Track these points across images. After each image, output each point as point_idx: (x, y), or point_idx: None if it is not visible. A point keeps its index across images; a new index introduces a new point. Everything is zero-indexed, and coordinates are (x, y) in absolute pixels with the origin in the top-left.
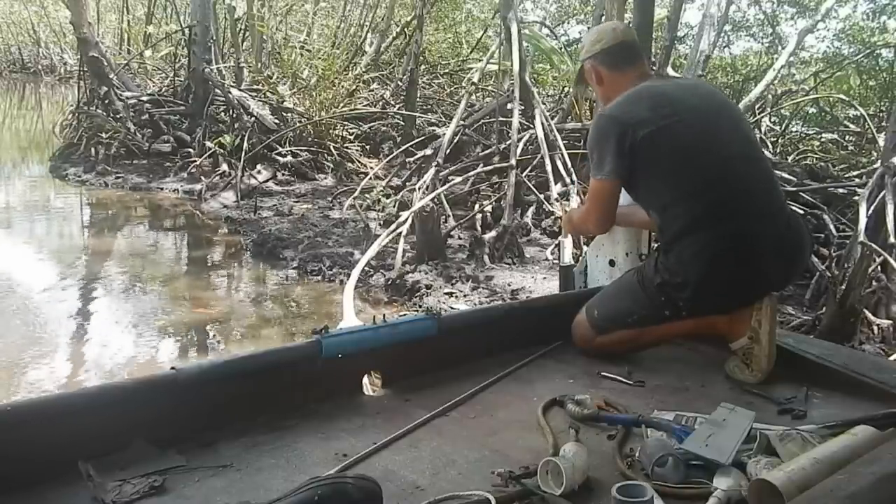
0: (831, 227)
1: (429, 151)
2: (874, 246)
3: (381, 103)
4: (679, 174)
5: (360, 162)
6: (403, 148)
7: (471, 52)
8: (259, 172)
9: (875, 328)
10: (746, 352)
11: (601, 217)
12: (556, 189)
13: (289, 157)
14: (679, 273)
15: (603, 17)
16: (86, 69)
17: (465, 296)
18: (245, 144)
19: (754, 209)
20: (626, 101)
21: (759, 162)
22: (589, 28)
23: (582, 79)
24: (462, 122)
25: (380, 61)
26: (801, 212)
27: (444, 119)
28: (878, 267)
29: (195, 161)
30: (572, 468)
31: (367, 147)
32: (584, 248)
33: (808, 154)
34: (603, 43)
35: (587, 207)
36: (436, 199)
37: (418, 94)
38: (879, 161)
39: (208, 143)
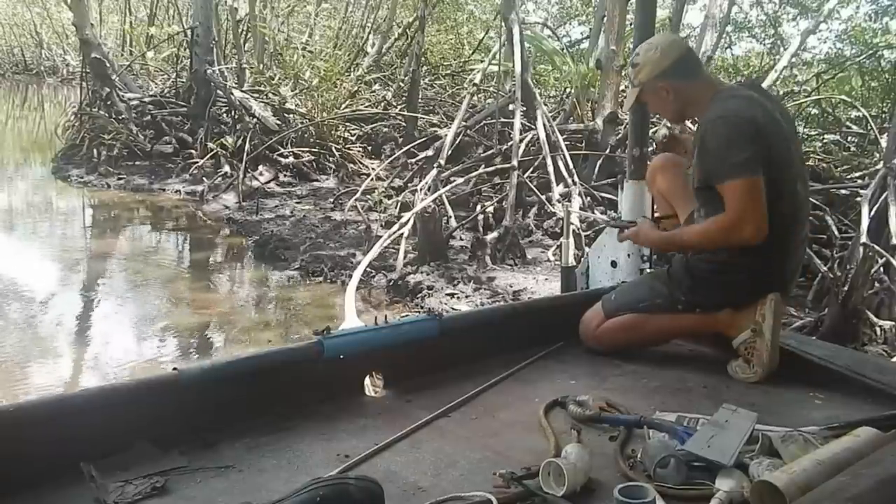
0: (833, 228)
1: (430, 152)
2: (876, 247)
3: (382, 104)
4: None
5: (361, 163)
6: (405, 149)
7: (472, 53)
8: (261, 174)
9: (877, 329)
10: (749, 346)
11: (760, 219)
12: (557, 190)
13: (290, 159)
14: (709, 288)
15: (604, 18)
16: (88, 70)
17: (466, 297)
18: (247, 145)
19: (803, 246)
20: (742, 101)
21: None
22: (590, 29)
23: (639, 100)
24: (464, 123)
25: (381, 62)
26: None
27: (445, 120)
28: (881, 268)
29: (197, 162)
30: (574, 469)
31: (369, 148)
32: (586, 249)
33: (811, 155)
34: (671, 57)
35: (738, 214)
36: (437, 200)
37: (420, 95)
38: (882, 162)
39: (210, 145)
